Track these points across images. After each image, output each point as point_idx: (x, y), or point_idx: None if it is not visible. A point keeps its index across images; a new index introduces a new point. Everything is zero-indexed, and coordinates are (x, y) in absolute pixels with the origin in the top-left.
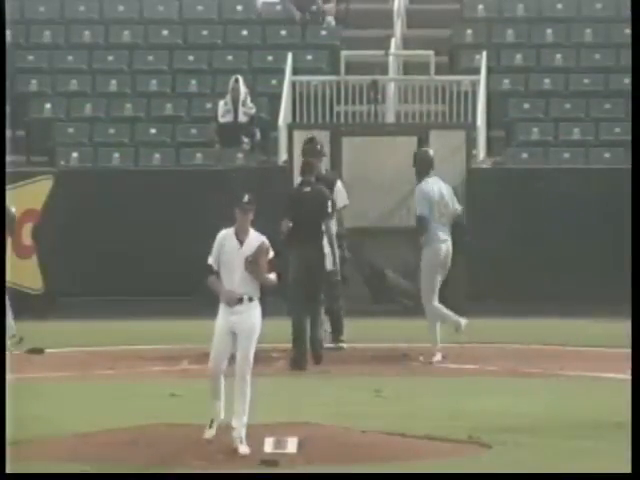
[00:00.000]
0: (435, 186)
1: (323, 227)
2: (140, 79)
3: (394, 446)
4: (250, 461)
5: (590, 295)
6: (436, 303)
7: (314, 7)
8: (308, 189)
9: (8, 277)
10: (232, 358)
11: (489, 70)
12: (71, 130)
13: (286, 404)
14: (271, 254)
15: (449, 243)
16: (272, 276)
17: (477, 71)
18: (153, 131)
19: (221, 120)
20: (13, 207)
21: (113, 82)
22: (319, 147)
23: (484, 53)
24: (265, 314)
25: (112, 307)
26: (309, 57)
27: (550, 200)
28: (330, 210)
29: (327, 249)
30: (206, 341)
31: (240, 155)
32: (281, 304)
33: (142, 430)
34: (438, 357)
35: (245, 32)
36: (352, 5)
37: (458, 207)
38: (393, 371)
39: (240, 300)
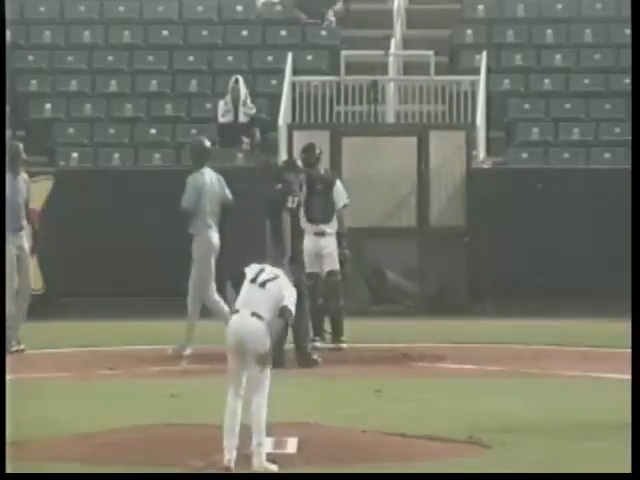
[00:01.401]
0: (207, 177)
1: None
2: (140, 79)
3: (394, 446)
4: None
5: (590, 295)
6: (215, 297)
7: (323, 9)
8: (279, 186)
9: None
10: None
11: (489, 70)
12: (71, 130)
13: (286, 404)
14: None
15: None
16: None
17: (477, 71)
18: (153, 131)
19: (221, 120)
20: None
21: (113, 82)
22: (318, 152)
23: (484, 53)
24: None
25: (112, 307)
26: (309, 57)
27: (550, 200)
28: (291, 204)
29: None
30: (206, 341)
31: (240, 155)
32: None
33: (142, 430)
34: (188, 351)
35: (245, 32)
36: (352, 5)
37: (229, 196)
38: (393, 371)
39: None
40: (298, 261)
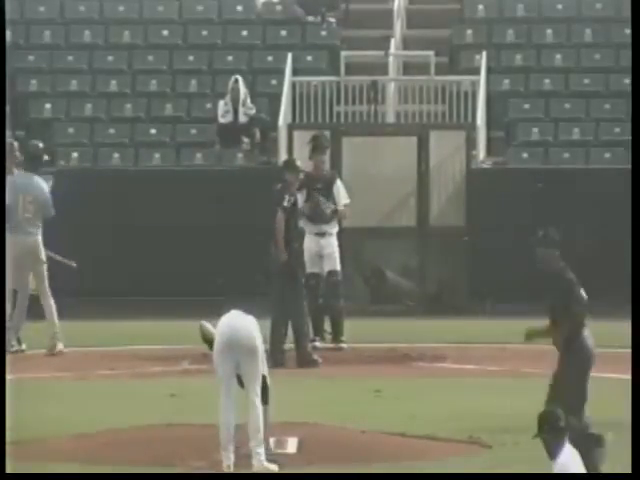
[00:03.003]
0: (25, 180)
1: (301, 224)
2: (140, 79)
3: (394, 446)
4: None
5: (590, 295)
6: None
7: (323, 8)
8: (279, 186)
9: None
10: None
11: (489, 70)
12: (71, 130)
13: (286, 404)
14: None
15: (38, 237)
16: None
17: (477, 71)
18: (153, 131)
19: (221, 120)
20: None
21: (113, 82)
22: (325, 141)
23: (484, 53)
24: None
25: (112, 307)
26: (309, 57)
27: (550, 200)
28: (286, 203)
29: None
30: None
31: (240, 155)
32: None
33: (142, 430)
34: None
35: (245, 32)
36: (352, 5)
37: (51, 209)
38: (393, 371)
39: None
40: (298, 262)
